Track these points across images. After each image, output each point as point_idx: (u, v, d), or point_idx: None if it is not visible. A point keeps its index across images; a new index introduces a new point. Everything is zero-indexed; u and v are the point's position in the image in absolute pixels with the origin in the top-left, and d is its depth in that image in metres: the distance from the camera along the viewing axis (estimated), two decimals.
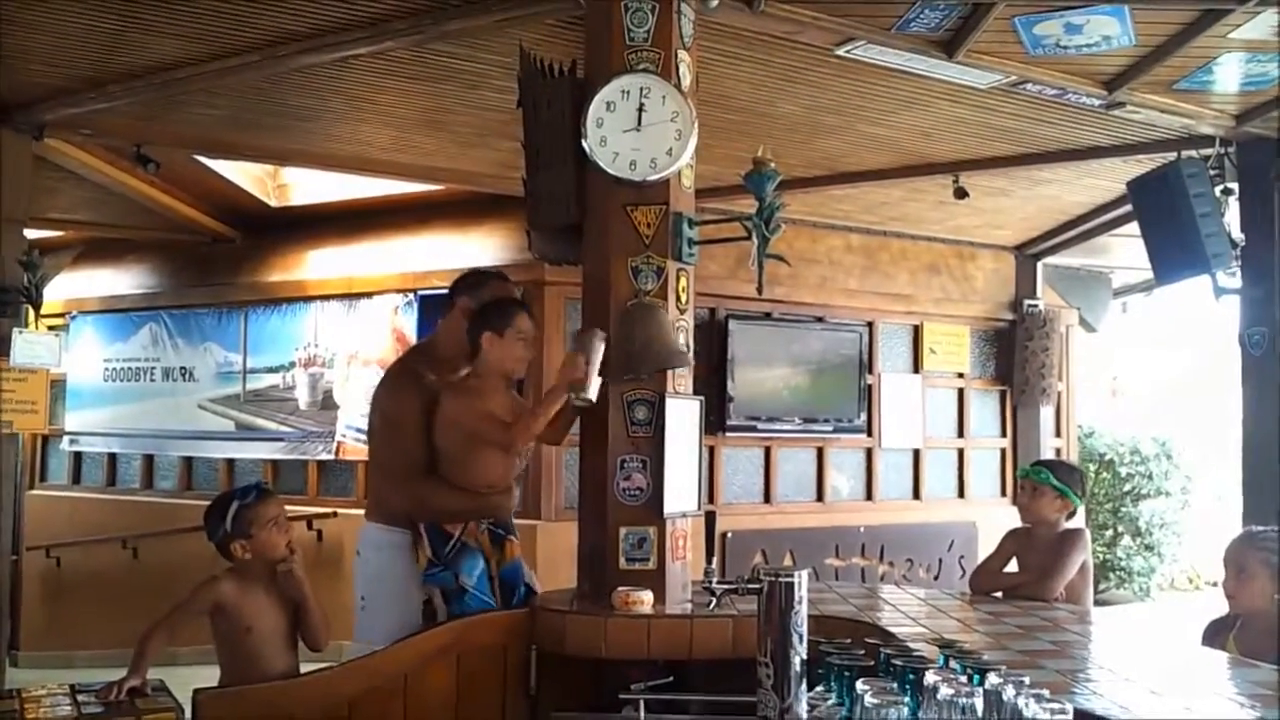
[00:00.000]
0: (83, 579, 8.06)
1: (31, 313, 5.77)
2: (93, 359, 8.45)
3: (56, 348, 5.81)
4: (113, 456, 8.38)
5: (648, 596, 3.13)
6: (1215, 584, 3.28)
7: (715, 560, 3.11)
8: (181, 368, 8.04)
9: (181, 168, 6.72)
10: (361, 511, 3.72)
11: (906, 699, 1.91)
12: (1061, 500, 3.82)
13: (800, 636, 2.17)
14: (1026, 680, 1.86)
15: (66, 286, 8.63)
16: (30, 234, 5.94)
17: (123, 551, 7.78)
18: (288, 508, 3.39)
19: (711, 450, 6.93)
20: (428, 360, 3.59)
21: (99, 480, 8.44)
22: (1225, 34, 4.11)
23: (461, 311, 3.57)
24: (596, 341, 3.20)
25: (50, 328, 8.03)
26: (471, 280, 3.66)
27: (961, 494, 8.10)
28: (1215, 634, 3.22)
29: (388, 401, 3.56)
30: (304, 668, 3.17)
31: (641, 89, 3.33)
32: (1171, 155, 5.28)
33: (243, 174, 7.26)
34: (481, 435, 3.36)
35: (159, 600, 3.25)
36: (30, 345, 5.59)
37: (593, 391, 3.18)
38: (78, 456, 8.58)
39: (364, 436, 7.03)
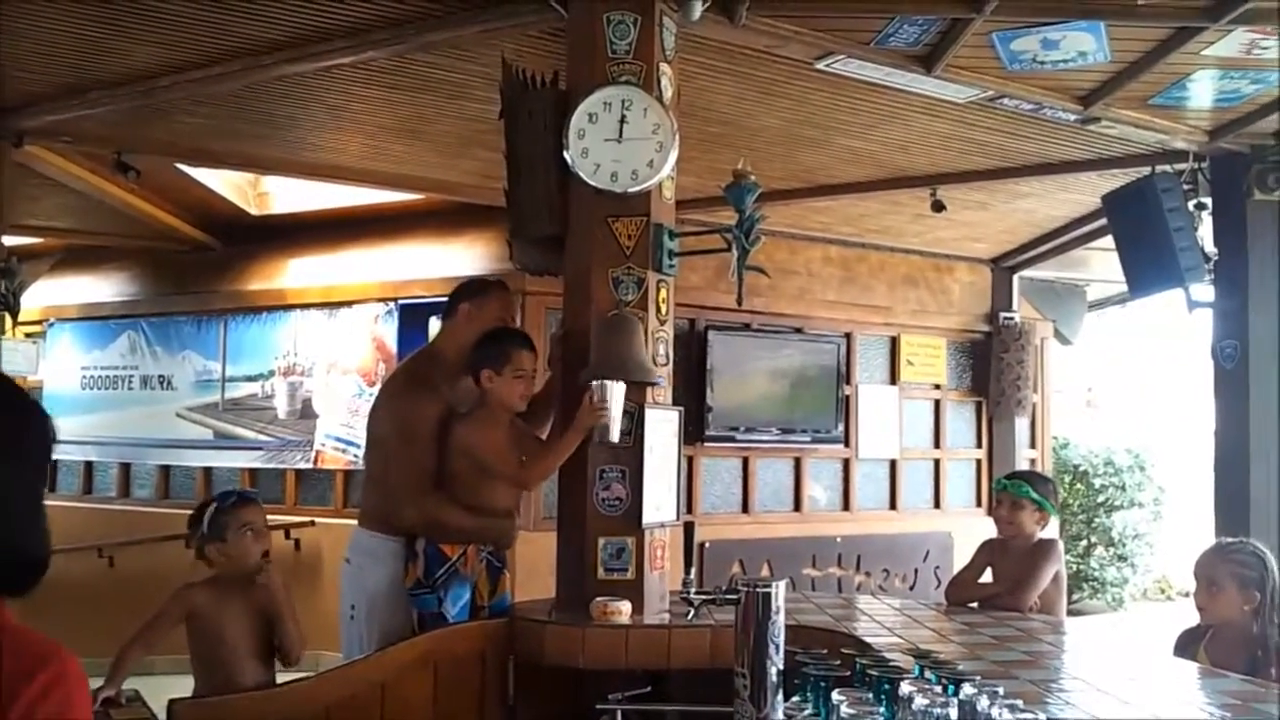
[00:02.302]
0: (58, 588, 7.83)
1: (9, 320, 5.74)
2: (70, 367, 8.40)
3: (34, 355, 5.80)
4: (89, 465, 8.32)
5: (626, 607, 3.14)
6: (1187, 594, 3.32)
7: (693, 570, 3.13)
8: (160, 376, 8.00)
9: (162, 176, 6.70)
10: (340, 521, 3.70)
11: (882, 709, 1.93)
12: (1040, 512, 3.85)
13: (777, 647, 2.19)
14: (1001, 690, 1.88)
15: (45, 294, 8.57)
16: (8, 241, 5.90)
17: (99, 560, 7.72)
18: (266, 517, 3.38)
19: (690, 460, 6.95)
20: (437, 368, 3.52)
21: (75, 488, 8.38)
22: (1198, 51, 4.18)
23: (464, 318, 3.54)
24: (615, 386, 3.20)
25: (28, 335, 7.98)
26: (474, 287, 3.63)
27: (938, 504, 8.15)
28: (1186, 645, 3.26)
29: (406, 410, 3.45)
30: (280, 678, 3.17)
31: (623, 101, 3.36)
32: (1146, 170, 5.35)
33: (223, 182, 7.23)
34: (495, 470, 3.33)
35: (135, 610, 3.24)
36: (8, 353, 5.57)
37: (615, 432, 3.20)
38: (54, 464, 8.47)
39: (343, 445, 7.06)
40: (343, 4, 3.98)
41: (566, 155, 3.34)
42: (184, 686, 3.04)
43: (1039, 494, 3.85)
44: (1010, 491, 3.87)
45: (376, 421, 3.58)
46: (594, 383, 3.20)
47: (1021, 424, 8.32)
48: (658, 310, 3.42)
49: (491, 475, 3.34)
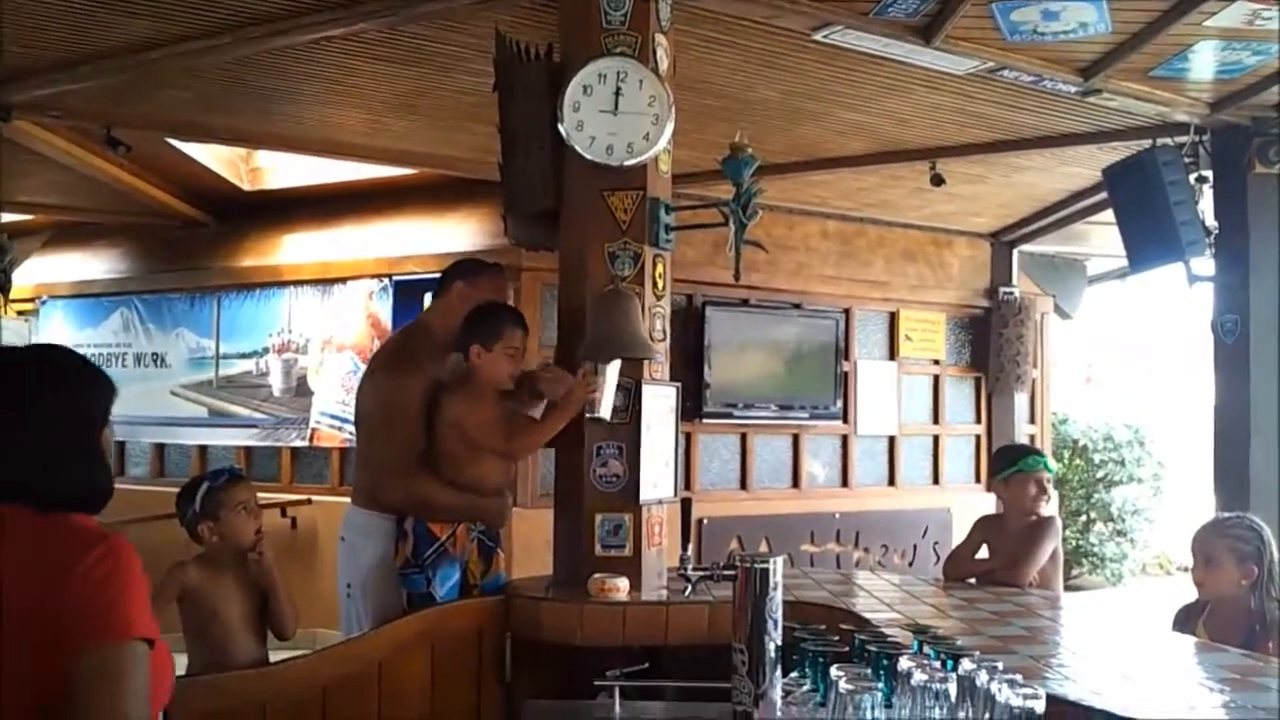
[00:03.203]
0: None
1: (1, 298, 5.70)
2: (63, 344, 8.34)
3: (26, 333, 5.76)
4: None
5: (623, 583, 3.13)
6: (1187, 569, 3.32)
7: (691, 547, 3.12)
8: (153, 353, 7.96)
9: (153, 151, 6.64)
10: (336, 499, 3.68)
11: (880, 684, 1.91)
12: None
13: (775, 622, 2.17)
14: (1000, 665, 1.86)
15: (36, 271, 8.53)
16: None
17: None
18: (261, 495, 3.37)
19: (688, 437, 6.93)
20: (424, 344, 3.48)
21: None
22: (1200, 22, 4.13)
23: (457, 296, 3.48)
24: (610, 364, 3.20)
25: (20, 313, 7.95)
26: (470, 267, 3.58)
27: (936, 480, 8.14)
28: (1185, 619, 3.26)
29: (389, 387, 3.41)
30: (273, 656, 3.16)
31: (618, 73, 3.31)
32: (1147, 142, 5.30)
33: (215, 157, 7.18)
34: (483, 443, 3.29)
35: None
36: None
37: (605, 410, 3.20)
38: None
39: (338, 423, 7.03)
40: None
41: (561, 128, 3.30)
42: (180, 665, 3.02)
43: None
44: (1047, 469, 3.86)
45: (362, 398, 3.55)
46: (586, 364, 3.20)
47: (1021, 399, 8.31)
48: (655, 285, 3.39)
49: (478, 448, 3.30)
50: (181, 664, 3.06)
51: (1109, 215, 5.76)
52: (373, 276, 7.05)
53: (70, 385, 1.82)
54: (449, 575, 3.25)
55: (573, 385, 3.22)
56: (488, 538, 3.36)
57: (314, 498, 6.99)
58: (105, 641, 1.59)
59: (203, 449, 7.71)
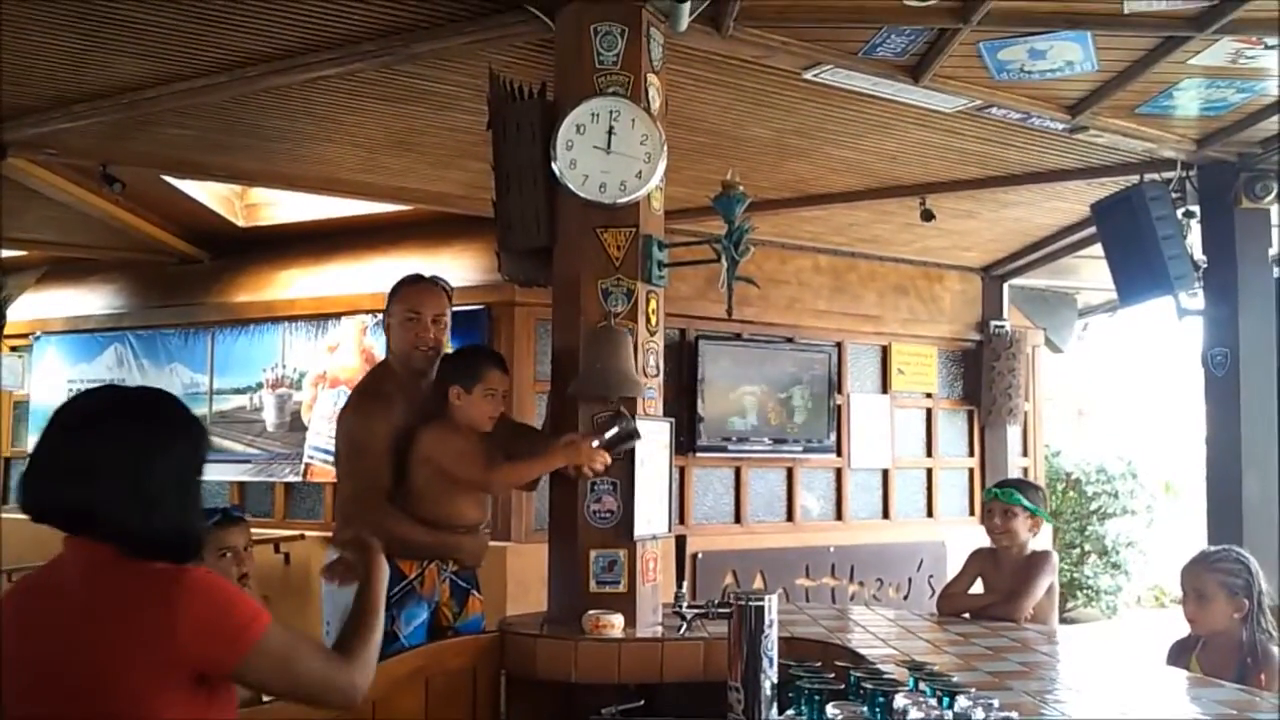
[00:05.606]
0: None
1: None
2: (57, 380, 8.32)
3: (20, 369, 5.75)
4: None
5: (618, 620, 3.13)
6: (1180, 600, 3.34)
7: (686, 582, 3.11)
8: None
9: (148, 188, 6.66)
10: (329, 535, 3.65)
11: None
12: (1033, 519, 3.84)
13: (770, 660, 2.18)
14: (996, 703, 1.87)
15: (31, 307, 8.52)
16: None
17: None
18: (255, 530, 3.35)
19: (682, 471, 6.92)
20: (389, 380, 3.47)
21: None
22: (1185, 60, 4.19)
23: (387, 322, 3.50)
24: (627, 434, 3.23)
25: (14, 348, 7.93)
26: (392, 290, 3.53)
27: (930, 513, 8.13)
28: (1179, 654, 3.27)
29: (354, 424, 3.40)
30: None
31: (611, 112, 3.36)
32: (1134, 178, 5.36)
33: (210, 194, 7.20)
34: (457, 474, 3.27)
35: None
36: None
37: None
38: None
39: (331, 459, 7.02)
40: (329, 16, 3.97)
41: (554, 166, 3.34)
42: None
43: (1031, 501, 3.83)
44: (1001, 499, 3.85)
45: (337, 437, 3.54)
46: (620, 425, 3.21)
47: (1013, 432, 8.31)
48: (648, 321, 3.41)
49: (453, 482, 3.28)
50: None
51: (1098, 250, 5.79)
52: (367, 312, 7.05)
53: (184, 433, 1.87)
54: (415, 615, 3.22)
55: (576, 439, 3.22)
56: (461, 579, 3.34)
57: (307, 533, 6.95)
58: (240, 653, 1.72)
59: None
